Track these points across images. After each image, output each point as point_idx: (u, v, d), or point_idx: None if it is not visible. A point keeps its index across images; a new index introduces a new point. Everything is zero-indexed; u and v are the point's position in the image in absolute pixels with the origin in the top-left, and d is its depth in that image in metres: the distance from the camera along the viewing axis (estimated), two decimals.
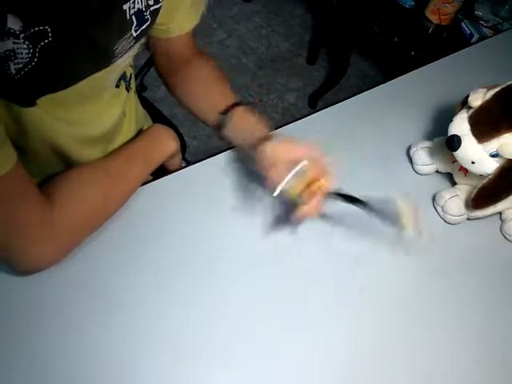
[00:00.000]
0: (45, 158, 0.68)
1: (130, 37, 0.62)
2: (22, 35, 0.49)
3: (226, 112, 0.75)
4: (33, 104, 0.58)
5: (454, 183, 0.83)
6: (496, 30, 1.58)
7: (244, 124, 0.74)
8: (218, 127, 0.76)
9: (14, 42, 0.49)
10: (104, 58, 0.61)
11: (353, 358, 0.65)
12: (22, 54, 0.50)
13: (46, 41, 0.51)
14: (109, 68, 0.63)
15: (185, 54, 0.81)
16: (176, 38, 0.78)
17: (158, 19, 0.71)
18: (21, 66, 0.51)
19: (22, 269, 0.61)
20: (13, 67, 0.50)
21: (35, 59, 0.51)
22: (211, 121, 0.78)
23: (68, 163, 0.71)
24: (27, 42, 0.50)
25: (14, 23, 0.47)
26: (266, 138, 0.70)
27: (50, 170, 0.69)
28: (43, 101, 0.58)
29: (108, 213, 0.68)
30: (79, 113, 0.66)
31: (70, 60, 0.56)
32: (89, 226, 0.66)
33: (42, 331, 0.60)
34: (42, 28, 0.50)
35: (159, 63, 0.84)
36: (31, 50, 0.50)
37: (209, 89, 0.80)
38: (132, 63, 0.77)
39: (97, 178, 0.67)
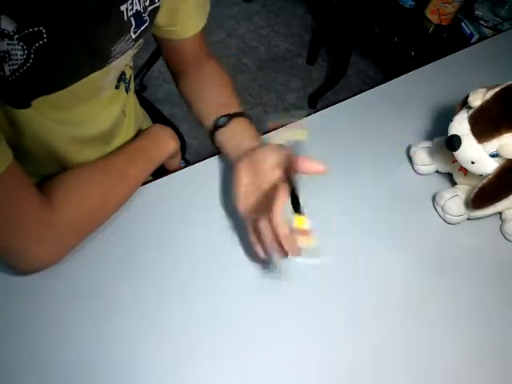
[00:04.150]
0: (42, 159, 0.68)
1: (129, 39, 0.62)
2: (16, 36, 0.48)
3: (224, 119, 0.74)
4: (27, 106, 0.57)
5: (454, 183, 0.83)
6: (496, 30, 1.58)
7: (237, 134, 0.73)
8: (212, 134, 0.75)
9: (9, 44, 0.48)
10: (100, 59, 0.61)
11: (352, 359, 0.65)
12: (16, 55, 0.50)
13: (41, 42, 0.51)
14: (105, 69, 0.62)
15: (194, 56, 0.81)
16: (184, 41, 0.77)
17: (161, 21, 0.71)
18: (15, 67, 0.51)
19: (21, 269, 0.61)
20: (7, 68, 0.50)
21: (30, 60, 0.51)
22: (208, 126, 0.76)
23: (65, 164, 0.70)
24: (22, 43, 0.49)
25: (7, 24, 0.47)
26: (253, 151, 0.68)
27: (47, 170, 0.69)
28: (38, 102, 0.58)
29: (108, 213, 0.68)
30: (75, 113, 0.66)
31: (65, 61, 0.56)
32: (88, 225, 0.65)
33: (41, 331, 0.60)
34: (36, 29, 0.49)
35: (169, 63, 0.84)
36: (26, 52, 0.50)
37: (213, 94, 0.80)
38: (131, 64, 0.77)
39: (96, 178, 0.67)
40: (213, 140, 0.76)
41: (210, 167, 0.80)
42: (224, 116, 0.74)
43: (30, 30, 0.49)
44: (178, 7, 0.72)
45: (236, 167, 0.68)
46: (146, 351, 0.61)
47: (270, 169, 0.66)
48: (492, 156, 0.70)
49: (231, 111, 0.75)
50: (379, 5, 1.74)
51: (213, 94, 0.80)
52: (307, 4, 2.53)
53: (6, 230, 0.56)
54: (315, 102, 2.12)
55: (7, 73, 0.51)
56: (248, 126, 0.75)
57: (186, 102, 0.83)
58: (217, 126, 0.74)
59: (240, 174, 0.67)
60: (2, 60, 0.49)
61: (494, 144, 0.70)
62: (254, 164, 0.67)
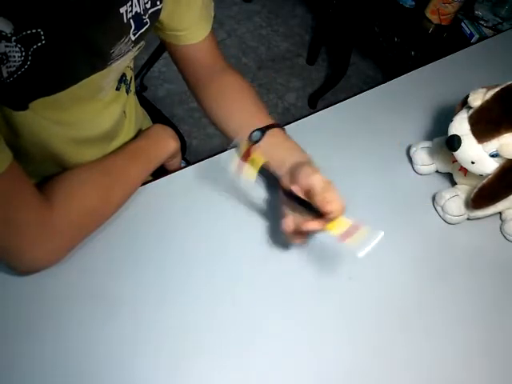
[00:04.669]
0: (42, 160, 0.68)
1: (128, 41, 0.62)
2: (13, 38, 0.48)
3: (257, 133, 0.71)
4: (25, 108, 0.57)
5: (454, 183, 0.83)
6: (496, 30, 1.58)
7: (274, 149, 0.71)
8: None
9: (6, 46, 0.48)
10: (99, 61, 0.61)
11: (352, 359, 0.65)
12: (14, 57, 0.50)
13: (39, 44, 0.51)
14: (105, 70, 0.62)
15: (209, 65, 0.79)
16: (194, 47, 0.76)
17: (167, 23, 0.71)
18: (13, 69, 0.51)
19: (21, 269, 0.61)
20: (5, 71, 0.50)
21: (28, 62, 0.51)
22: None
23: (65, 165, 0.70)
24: (19, 45, 0.49)
25: (5, 26, 0.47)
26: (302, 164, 0.67)
27: (47, 171, 0.69)
28: (37, 103, 0.58)
29: (108, 213, 0.68)
30: (75, 114, 0.66)
31: (64, 63, 0.56)
32: (88, 226, 0.66)
33: (41, 331, 0.60)
34: (34, 31, 0.49)
35: (184, 72, 0.81)
36: (23, 54, 0.50)
37: (243, 108, 0.77)
38: (132, 66, 0.77)
39: (96, 178, 0.67)
40: None
41: (210, 167, 0.80)
42: (257, 130, 0.72)
43: (28, 31, 0.49)
44: (182, 7, 0.71)
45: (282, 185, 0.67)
46: (146, 351, 0.61)
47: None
48: (492, 156, 0.70)
49: (263, 124, 0.72)
50: (379, 5, 1.74)
51: (239, 108, 0.77)
52: (307, 4, 2.53)
53: (5, 230, 0.56)
54: (315, 102, 2.12)
55: (5, 75, 0.50)
56: (283, 137, 0.73)
57: (209, 117, 0.80)
58: (251, 141, 0.72)
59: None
60: (0, 62, 0.49)
61: (493, 144, 0.70)
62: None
